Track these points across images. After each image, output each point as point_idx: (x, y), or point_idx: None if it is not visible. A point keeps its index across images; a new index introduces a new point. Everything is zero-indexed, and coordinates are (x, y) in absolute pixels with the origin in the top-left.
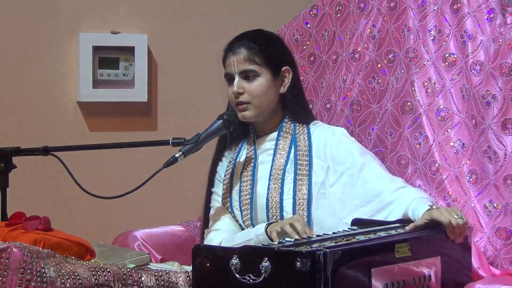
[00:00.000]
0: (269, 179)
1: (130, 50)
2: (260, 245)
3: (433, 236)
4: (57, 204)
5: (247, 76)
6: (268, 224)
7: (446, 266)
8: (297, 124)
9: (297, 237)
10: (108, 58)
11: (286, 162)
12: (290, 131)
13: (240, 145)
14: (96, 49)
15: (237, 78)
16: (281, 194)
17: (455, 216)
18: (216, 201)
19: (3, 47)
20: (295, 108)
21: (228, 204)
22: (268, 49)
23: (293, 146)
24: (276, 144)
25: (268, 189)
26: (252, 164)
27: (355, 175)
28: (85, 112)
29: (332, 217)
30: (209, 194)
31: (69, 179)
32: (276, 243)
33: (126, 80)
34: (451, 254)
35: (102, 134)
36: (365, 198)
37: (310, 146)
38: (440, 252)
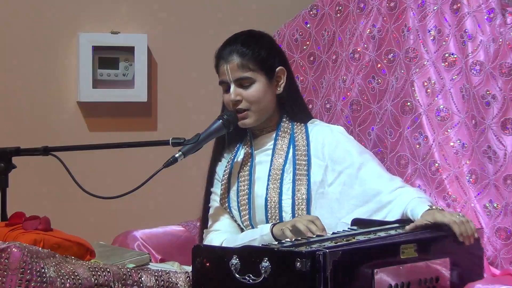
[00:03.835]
0: (268, 179)
1: (130, 50)
2: (261, 245)
3: (442, 237)
4: (57, 204)
5: (243, 83)
6: (274, 225)
7: (456, 267)
8: (295, 123)
9: (310, 234)
10: (108, 58)
11: (285, 162)
12: (288, 131)
13: (238, 145)
14: (96, 49)
15: (232, 86)
16: (280, 194)
17: (457, 216)
18: (215, 201)
19: (3, 47)
20: (292, 107)
21: (226, 204)
22: (260, 52)
23: (291, 146)
24: (275, 144)
25: (267, 189)
26: (249, 164)
27: (353, 174)
28: (85, 112)
29: (331, 217)
30: (208, 194)
31: (69, 179)
32: (293, 240)
33: (126, 80)
34: (462, 255)
35: (102, 134)
36: (364, 198)
37: (308, 145)
38: (449, 253)
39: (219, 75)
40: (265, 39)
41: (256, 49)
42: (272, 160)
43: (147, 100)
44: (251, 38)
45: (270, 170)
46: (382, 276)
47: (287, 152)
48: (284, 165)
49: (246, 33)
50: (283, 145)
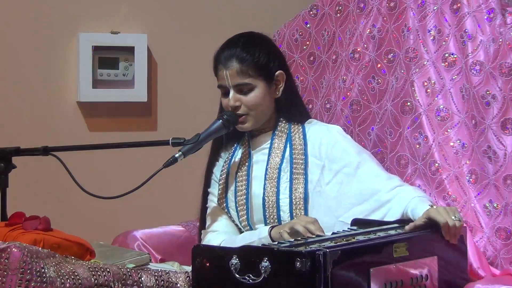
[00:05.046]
0: (265, 179)
1: (130, 50)
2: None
3: (430, 236)
4: (57, 204)
5: (242, 89)
6: (272, 227)
7: (442, 266)
8: (292, 123)
9: (309, 235)
10: (107, 58)
11: (282, 161)
12: (285, 130)
13: (235, 145)
14: (96, 49)
15: (232, 92)
16: (277, 193)
17: (453, 217)
18: (213, 202)
19: (3, 47)
20: (290, 110)
21: (224, 204)
22: (260, 58)
23: (288, 145)
24: (271, 143)
25: (264, 188)
26: (246, 163)
27: (351, 173)
28: (85, 112)
29: (328, 216)
30: (205, 194)
31: (69, 179)
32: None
33: (126, 80)
34: (447, 254)
35: (102, 134)
36: (362, 197)
37: (305, 144)
38: (437, 252)
39: (218, 79)
40: (265, 43)
41: (256, 54)
42: (268, 159)
43: (147, 100)
44: (251, 42)
45: (266, 169)
46: (378, 275)
47: (284, 151)
48: (281, 164)
49: (246, 36)
50: (280, 144)
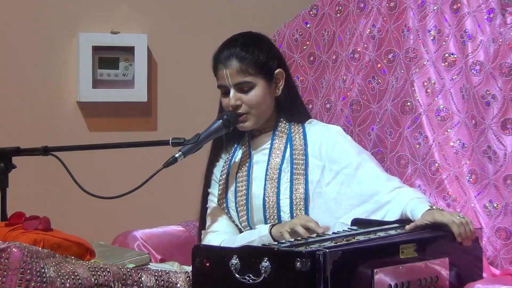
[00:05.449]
0: (265, 179)
1: (130, 50)
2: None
3: (441, 237)
4: (57, 204)
5: (243, 87)
6: (272, 226)
7: (455, 267)
8: (293, 123)
9: (310, 235)
10: (108, 58)
11: (282, 161)
12: (286, 130)
13: (235, 146)
14: (96, 49)
15: (232, 91)
16: (278, 194)
17: (457, 216)
18: (213, 202)
19: (3, 47)
20: (290, 109)
21: (224, 205)
22: (260, 56)
23: (288, 145)
24: (272, 144)
25: (265, 189)
26: (247, 164)
27: (351, 174)
28: (85, 112)
29: (328, 217)
30: (205, 195)
31: (69, 179)
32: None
33: (126, 80)
34: (460, 255)
35: (102, 134)
36: (361, 198)
37: (305, 145)
38: (448, 253)
39: (217, 79)
40: (264, 42)
41: (256, 53)
42: (269, 159)
43: (147, 100)
44: (250, 41)
45: (267, 169)
46: (381, 276)
47: (284, 152)
48: (281, 164)
49: (244, 36)
50: (280, 144)
